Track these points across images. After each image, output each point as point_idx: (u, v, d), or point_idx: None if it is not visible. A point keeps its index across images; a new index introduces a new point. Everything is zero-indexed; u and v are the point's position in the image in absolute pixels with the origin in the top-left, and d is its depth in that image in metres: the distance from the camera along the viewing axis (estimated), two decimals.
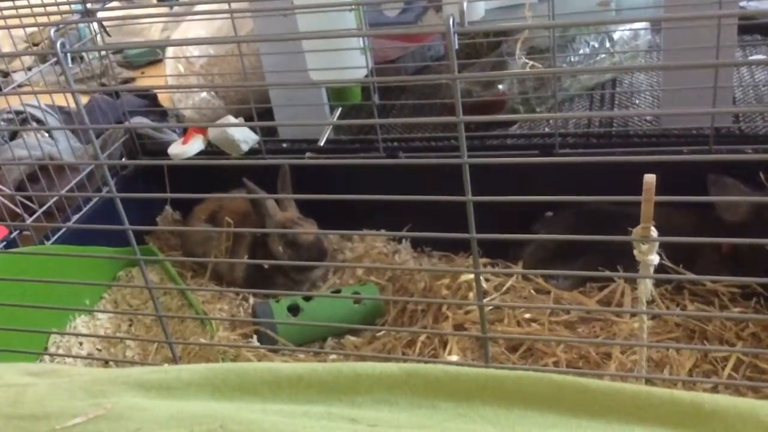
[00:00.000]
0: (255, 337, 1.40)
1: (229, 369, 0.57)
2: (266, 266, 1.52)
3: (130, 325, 1.55)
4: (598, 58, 2.11)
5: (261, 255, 1.55)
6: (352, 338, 1.41)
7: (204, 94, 2.17)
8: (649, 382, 1.05)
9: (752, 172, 1.44)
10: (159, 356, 1.38)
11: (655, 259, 0.75)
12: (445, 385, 0.54)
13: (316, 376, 0.55)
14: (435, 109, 2.16)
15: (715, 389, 1.13)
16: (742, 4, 2.26)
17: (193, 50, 2.17)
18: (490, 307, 1.34)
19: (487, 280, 1.44)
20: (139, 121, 1.95)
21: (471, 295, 1.37)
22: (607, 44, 2.13)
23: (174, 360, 1.02)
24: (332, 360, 1.35)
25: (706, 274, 1.36)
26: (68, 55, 0.84)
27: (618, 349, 1.22)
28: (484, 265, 1.52)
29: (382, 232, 1.68)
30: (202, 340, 1.36)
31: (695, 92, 1.58)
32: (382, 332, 1.39)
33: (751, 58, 2.12)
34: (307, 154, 1.78)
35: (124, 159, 1.86)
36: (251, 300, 1.55)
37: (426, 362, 1.22)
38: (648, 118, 1.97)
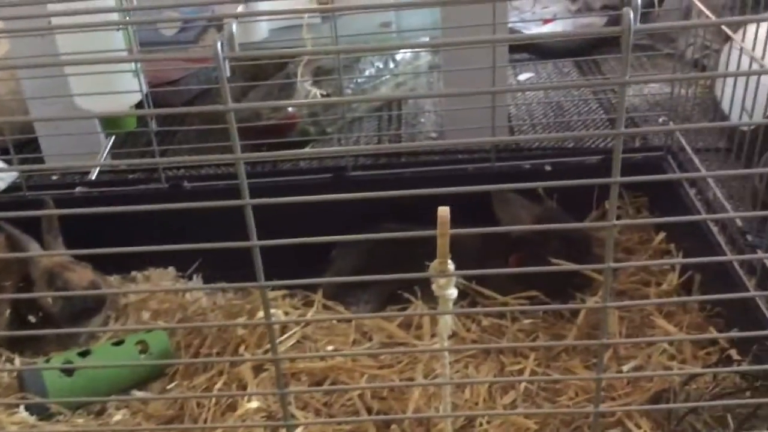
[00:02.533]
0: (22, 406, 1.21)
1: None
2: (33, 320, 1.33)
3: None
4: (382, 78, 2.15)
5: (26, 308, 1.36)
6: (140, 393, 1.27)
7: None
8: (454, 407, 1.05)
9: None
10: None
11: (453, 293, 0.73)
12: None
13: None
14: (224, 133, 2.05)
15: (513, 403, 1.16)
16: (510, 25, 2.42)
17: None
18: (289, 350, 1.27)
19: (286, 313, 1.38)
20: None
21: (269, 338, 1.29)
22: (391, 65, 2.18)
23: None
24: (117, 421, 1.20)
25: (496, 285, 1.40)
26: None
27: (421, 373, 1.21)
28: (282, 297, 1.44)
29: (170, 270, 1.56)
30: None
31: (475, 111, 1.64)
32: (174, 383, 1.26)
33: (521, 77, 2.26)
34: (77, 189, 1.60)
35: None
36: (17, 361, 1.35)
37: (222, 415, 1.13)
38: (433, 135, 2.04)
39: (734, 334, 1.21)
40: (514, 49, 2.36)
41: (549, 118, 2.12)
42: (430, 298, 1.35)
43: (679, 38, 1.98)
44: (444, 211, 0.66)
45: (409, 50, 2.20)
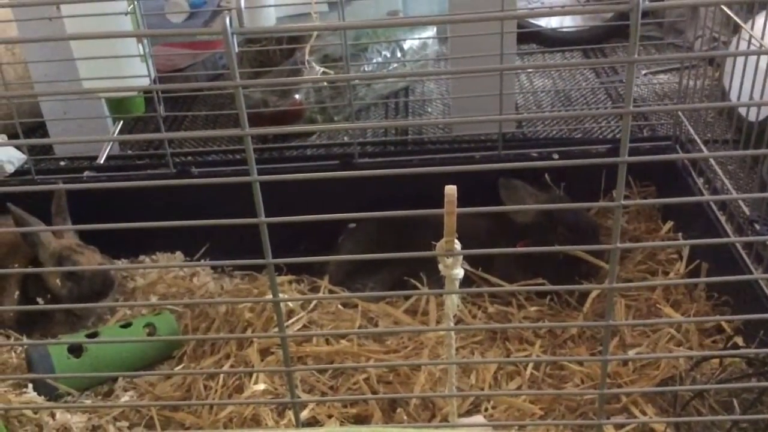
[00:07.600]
0: (30, 386, 1.22)
1: None
2: (41, 303, 1.34)
3: None
4: (390, 67, 2.14)
5: (35, 290, 1.37)
6: (147, 375, 1.27)
7: None
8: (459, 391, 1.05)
9: (538, 174, 1.52)
10: None
11: (460, 273, 0.73)
12: None
13: None
14: (231, 120, 2.07)
15: (519, 389, 1.16)
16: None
17: None
18: (297, 333, 1.28)
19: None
20: None
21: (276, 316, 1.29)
22: (399, 54, 2.17)
23: None
24: (125, 402, 1.21)
25: (503, 272, 1.40)
26: None
27: (427, 359, 1.21)
28: (289, 282, 1.45)
29: (177, 255, 1.56)
30: None
31: (482, 100, 1.63)
32: (181, 365, 1.27)
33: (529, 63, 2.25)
34: (86, 174, 1.60)
35: None
36: (26, 339, 1.36)
37: (229, 396, 1.14)
38: (440, 125, 2.03)
39: (738, 317, 1.20)
40: (522, 39, 2.35)
41: (557, 109, 2.11)
42: (437, 285, 1.36)
43: (687, 30, 1.97)
44: (451, 190, 0.66)
45: (416, 37, 2.19)
